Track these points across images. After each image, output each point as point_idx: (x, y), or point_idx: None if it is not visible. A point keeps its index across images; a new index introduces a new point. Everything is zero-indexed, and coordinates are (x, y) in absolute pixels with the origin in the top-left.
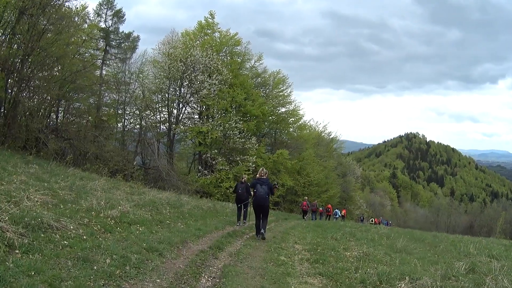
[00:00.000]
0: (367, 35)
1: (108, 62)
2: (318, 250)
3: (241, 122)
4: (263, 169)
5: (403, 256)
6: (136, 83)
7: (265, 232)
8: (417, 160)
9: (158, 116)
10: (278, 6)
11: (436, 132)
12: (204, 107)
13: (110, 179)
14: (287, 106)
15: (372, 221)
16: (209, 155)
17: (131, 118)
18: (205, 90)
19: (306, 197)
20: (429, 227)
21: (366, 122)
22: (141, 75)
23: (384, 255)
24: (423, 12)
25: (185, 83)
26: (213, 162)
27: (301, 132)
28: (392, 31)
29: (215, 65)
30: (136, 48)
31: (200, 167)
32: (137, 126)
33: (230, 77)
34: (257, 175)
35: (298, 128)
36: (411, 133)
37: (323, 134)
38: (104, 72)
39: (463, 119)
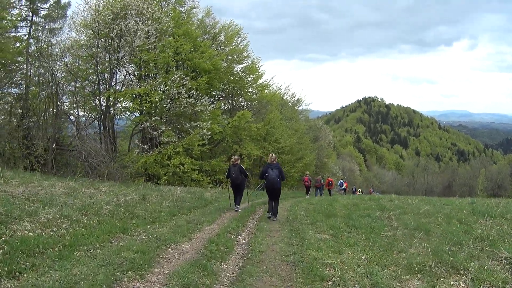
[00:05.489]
0: (316, 5)
1: (36, 35)
2: None
3: (187, 78)
4: (272, 154)
5: None
6: (68, 54)
7: (276, 215)
8: (378, 123)
9: (94, 87)
10: None
11: (394, 96)
12: (142, 66)
13: None
14: (244, 62)
15: (359, 191)
16: (148, 124)
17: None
18: (137, 39)
19: (308, 172)
20: (406, 191)
21: (322, 90)
22: (68, 42)
23: None
24: None
25: (114, 37)
26: (155, 134)
27: (262, 92)
28: None
29: (152, 11)
30: (67, 16)
31: (136, 141)
32: (73, 105)
33: (172, 26)
34: (268, 160)
35: (259, 88)
36: (369, 97)
37: (285, 97)
38: (33, 47)
39: (420, 81)
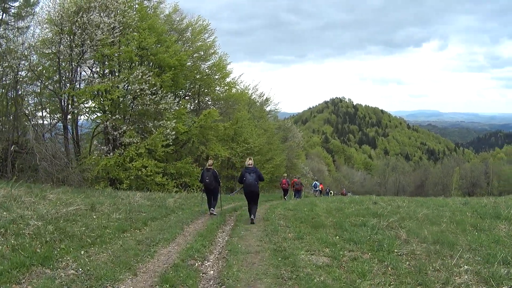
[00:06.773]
0: (286, 6)
1: (6, 34)
2: None
3: (150, 74)
4: (250, 158)
5: None
6: (32, 52)
7: (254, 217)
8: (346, 123)
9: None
10: None
11: (362, 96)
12: (105, 61)
13: None
14: (211, 59)
15: (331, 192)
16: (108, 123)
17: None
18: (99, 31)
19: (286, 174)
20: (377, 190)
21: (289, 92)
22: (32, 39)
23: None
24: None
25: (76, 32)
26: (116, 134)
27: (230, 91)
28: (311, 0)
29: (117, 4)
30: (35, 14)
31: (96, 143)
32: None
33: (136, 20)
34: (245, 164)
35: (226, 86)
36: (336, 97)
37: (254, 96)
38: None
39: (388, 82)
